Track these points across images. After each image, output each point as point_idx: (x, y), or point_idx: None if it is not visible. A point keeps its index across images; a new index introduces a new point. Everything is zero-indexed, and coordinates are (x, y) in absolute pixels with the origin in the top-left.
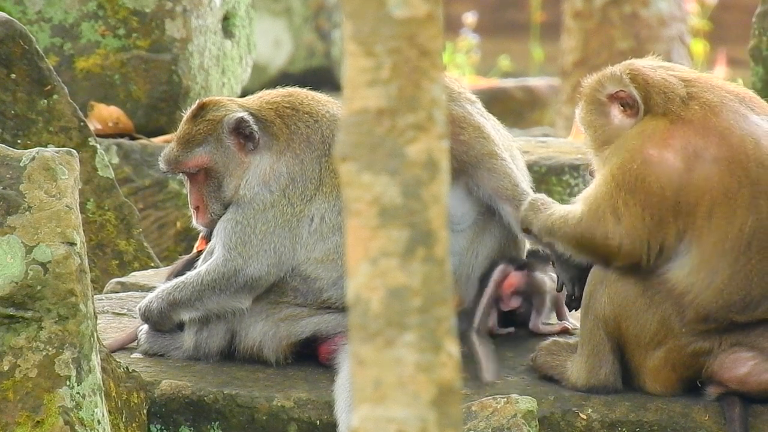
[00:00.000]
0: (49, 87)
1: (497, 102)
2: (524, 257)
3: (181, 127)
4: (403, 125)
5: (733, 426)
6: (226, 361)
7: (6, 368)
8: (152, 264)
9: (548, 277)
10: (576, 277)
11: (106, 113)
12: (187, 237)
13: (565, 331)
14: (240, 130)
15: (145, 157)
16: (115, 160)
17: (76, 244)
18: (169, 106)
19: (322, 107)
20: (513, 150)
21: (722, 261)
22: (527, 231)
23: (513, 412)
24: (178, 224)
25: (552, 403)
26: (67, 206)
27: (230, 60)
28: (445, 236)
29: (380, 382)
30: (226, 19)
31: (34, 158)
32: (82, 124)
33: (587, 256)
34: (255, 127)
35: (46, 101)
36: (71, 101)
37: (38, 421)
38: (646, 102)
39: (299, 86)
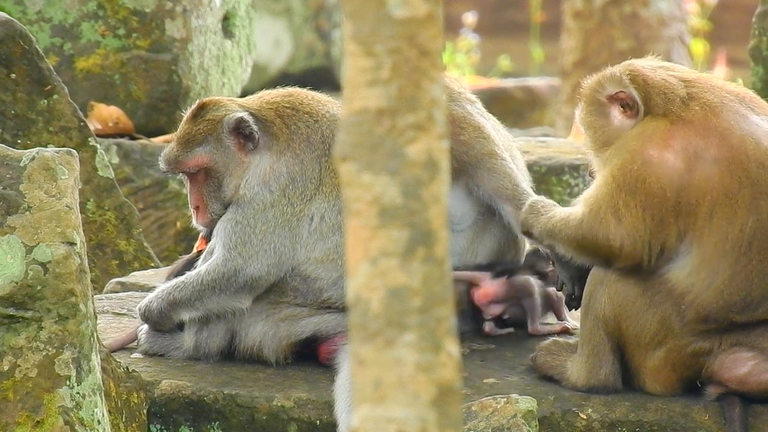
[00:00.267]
0: (49, 87)
1: (497, 102)
2: (521, 258)
3: (181, 127)
4: (403, 125)
5: (733, 426)
6: (226, 361)
7: (6, 368)
8: (152, 264)
9: (533, 279)
10: (576, 277)
11: (106, 113)
12: (187, 237)
13: (565, 331)
14: (240, 130)
15: (145, 157)
16: (115, 160)
17: (76, 244)
18: (169, 106)
19: (322, 107)
20: (513, 150)
21: (723, 261)
22: (528, 234)
23: (513, 412)
24: (178, 224)
25: (552, 403)
26: (67, 206)
27: (230, 60)
28: (445, 236)
29: (380, 382)
30: (226, 19)
31: (34, 158)
32: (82, 124)
33: (589, 257)
34: (255, 127)
35: (46, 101)
36: (71, 101)
37: (38, 421)
38: (646, 103)
39: (299, 86)
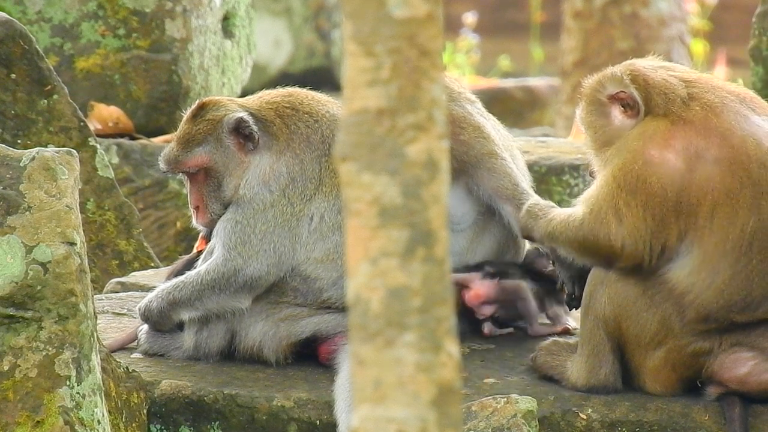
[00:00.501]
0: (49, 87)
1: (497, 102)
2: (521, 258)
3: (181, 127)
4: (403, 125)
5: (733, 426)
6: (226, 361)
7: (6, 368)
8: (152, 264)
9: (524, 283)
10: (576, 277)
11: (106, 113)
12: (187, 237)
13: (566, 332)
14: (240, 130)
15: (145, 157)
16: (115, 160)
17: (76, 244)
18: (169, 106)
19: (322, 107)
20: (513, 150)
21: (723, 261)
22: (529, 238)
23: (513, 412)
24: (178, 224)
25: (552, 403)
26: (67, 206)
27: (230, 60)
28: (445, 236)
29: (380, 382)
30: (226, 19)
31: (34, 158)
32: (82, 124)
33: (590, 258)
34: (255, 128)
35: (46, 101)
36: (71, 101)
37: (38, 421)
38: (646, 103)
39: (299, 86)
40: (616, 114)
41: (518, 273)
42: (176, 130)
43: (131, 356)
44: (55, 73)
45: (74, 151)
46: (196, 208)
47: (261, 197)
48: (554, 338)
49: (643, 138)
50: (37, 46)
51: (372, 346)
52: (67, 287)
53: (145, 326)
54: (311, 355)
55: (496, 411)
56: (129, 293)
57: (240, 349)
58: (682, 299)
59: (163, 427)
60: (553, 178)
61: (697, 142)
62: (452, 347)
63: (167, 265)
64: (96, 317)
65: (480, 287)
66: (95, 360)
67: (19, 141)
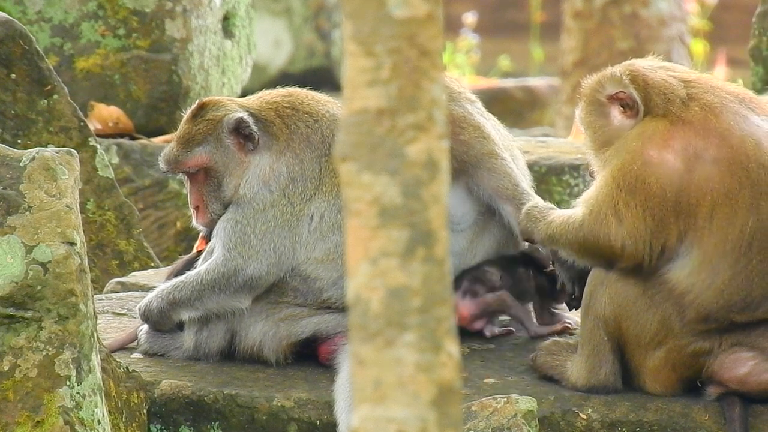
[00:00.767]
0: (49, 87)
1: (497, 102)
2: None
3: (181, 126)
4: (403, 125)
5: (733, 426)
6: (226, 361)
7: (6, 368)
8: (152, 264)
9: (505, 293)
10: (576, 277)
11: (106, 113)
12: (187, 237)
13: (565, 329)
14: (240, 130)
15: (145, 157)
16: (115, 160)
17: (76, 244)
18: (169, 106)
19: (322, 107)
20: (513, 150)
21: (723, 262)
22: (530, 241)
23: (513, 412)
24: (178, 224)
25: (552, 403)
26: (67, 206)
27: (230, 60)
28: (445, 236)
29: (380, 382)
30: (226, 19)
31: (34, 158)
32: (82, 124)
33: (590, 259)
34: (254, 128)
35: (46, 101)
36: (71, 101)
37: (38, 421)
38: (646, 103)
39: (299, 86)
40: (616, 114)
41: (497, 272)
42: (176, 130)
43: (131, 356)
44: (55, 73)
45: (74, 151)
46: (196, 208)
47: (261, 197)
48: (554, 338)
49: (642, 138)
50: (37, 46)
51: (372, 346)
52: (67, 287)
53: (145, 326)
54: (311, 355)
55: (496, 411)
56: (129, 293)
57: (240, 349)
58: (682, 299)
59: (163, 427)
60: (553, 178)
61: (696, 142)
62: (452, 347)
63: (167, 265)
64: (96, 317)
65: (463, 308)
66: (95, 360)
67: (19, 141)
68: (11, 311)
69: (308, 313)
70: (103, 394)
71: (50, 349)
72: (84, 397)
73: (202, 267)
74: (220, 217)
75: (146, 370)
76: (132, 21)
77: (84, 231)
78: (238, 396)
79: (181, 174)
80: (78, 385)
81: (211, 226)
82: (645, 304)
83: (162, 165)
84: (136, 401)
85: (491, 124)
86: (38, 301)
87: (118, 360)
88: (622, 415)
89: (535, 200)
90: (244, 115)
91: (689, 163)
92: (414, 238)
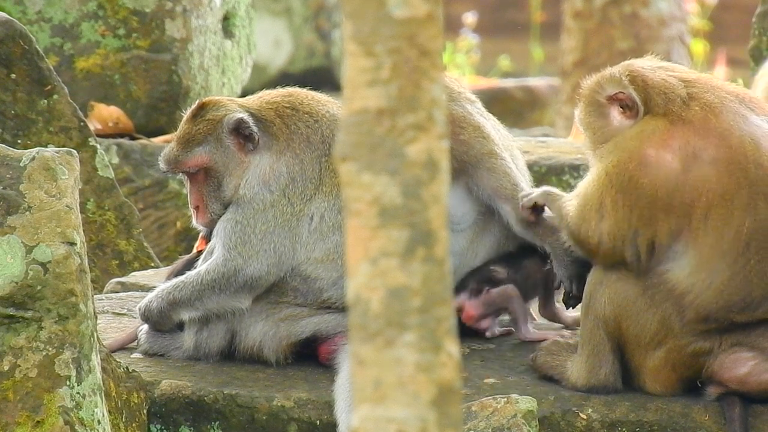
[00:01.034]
0: (49, 87)
1: (497, 102)
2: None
3: (181, 126)
4: (403, 125)
5: (733, 426)
6: (226, 361)
7: (6, 368)
8: (152, 264)
9: (511, 287)
10: (574, 276)
11: (106, 113)
12: (187, 237)
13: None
14: (240, 130)
15: (145, 157)
16: (115, 160)
17: (76, 244)
18: (169, 106)
19: (322, 107)
20: (513, 150)
21: (721, 262)
22: (534, 224)
23: (513, 412)
24: (178, 224)
25: (552, 403)
26: (67, 206)
27: (230, 60)
28: (445, 236)
29: (380, 382)
30: (226, 19)
31: (34, 158)
32: (82, 124)
33: (578, 249)
34: (254, 128)
35: (46, 101)
36: (71, 101)
37: (38, 421)
38: (645, 103)
39: (299, 86)
40: (615, 115)
41: (504, 270)
42: (176, 130)
43: (131, 356)
44: (55, 73)
45: (74, 151)
46: (196, 208)
47: (261, 197)
48: (554, 338)
49: (640, 137)
50: (37, 46)
51: (372, 346)
52: (67, 287)
53: (145, 326)
54: (311, 355)
55: (496, 411)
56: (129, 293)
57: (240, 349)
58: (682, 299)
59: (163, 427)
60: (553, 178)
61: (695, 141)
62: (452, 347)
63: (167, 265)
64: (96, 317)
65: (469, 308)
66: (95, 360)
67: (19, 141)
68: (11, 311)
69: (308, 313)
70: (103, 394)
71: (50, 349)
72: (84, 397)
73: (202, 267)
74: (220, 217)
75: (146, 370)
76: (132, 21)
77: (84, 231)
78: (238, 396)
79: (181, 174)
80: (78, 385)
81: (211, 226)
82: (645, 304)
83: (162, 165)
84: (136, 401)
85: (491, 124)
86: (38, 301)
87: (118, 360)
88: (622, 415)
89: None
90: (244, 115)
91: (686, 163)
92: (414, 238)
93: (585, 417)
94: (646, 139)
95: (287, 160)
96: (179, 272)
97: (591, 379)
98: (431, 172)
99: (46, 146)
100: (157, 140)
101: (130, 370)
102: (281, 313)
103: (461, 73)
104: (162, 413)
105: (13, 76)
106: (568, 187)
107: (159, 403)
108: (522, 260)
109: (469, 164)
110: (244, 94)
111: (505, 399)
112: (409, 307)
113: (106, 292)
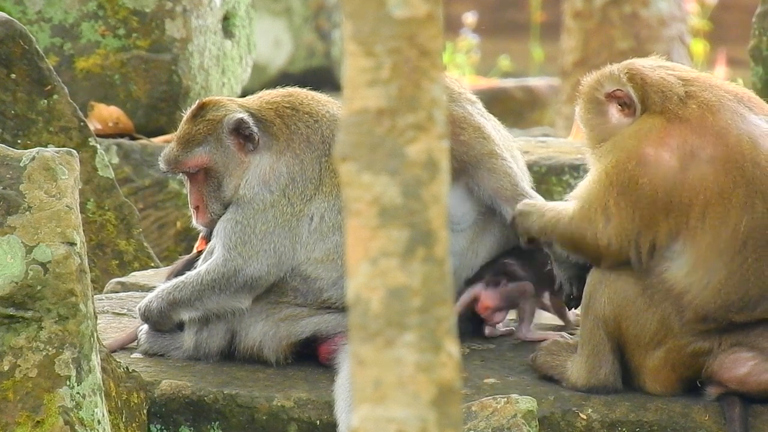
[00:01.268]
0: (49, 87)
1: (497, 102)
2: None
3: (181, 127)
4: (403, 125)
5: (733, 426)
6: (226, 361)
7: (6, 368)
8: (152, 264)
9: (528, 284)
10: (574, 277)
11: (106, 113)
12: (187, 237)
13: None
14: (240, 130)
15: (145, 157)
16: (115, 160)
17: (76, 244)
18: (169, 106)
19: (322, 107)
20: (513, 150)
21: (718, 261)
22: (530, 241)
23: (513, 412)
24: (178, 224)
25: (552, 403)
26: (67, 206)
27: (230, 60)
28: (445, 236)
29: (380, 382)
30: (226, 19)
31: (34, 158)
32: (82, 124)
33: (579, 254)
34: (255, 128)
35: (46, 101)
36: (71, 101)
37: (38, 421)
38: (643, 101)
39: (299, 86)
40: (613, 112)
41: (518, 263)
42: (176, 130)
43: (131, 356)
44: (55, 73)
45: (74, 151)
46: (196, 208)
47: (261, 197)
48: (554, 338)
49: (638, 136)
50: (37, 46)
51: (372, 346)
52: (67, 287)
53: (145, 326)
54: (311, 355)
55: (496, 411)
56: (129, 293)
57: (240, 349)
58: (681, 299)
59: (163, 427)
60: (553, 178)
61: (693, 140)
62: (452, 347)
63: (167, 265)
64: (96, 317)
65: (485, 299)
66: (95, 360)
67: (19, 141)
68: (11, 311)
69: (308, 313)
70: (103, 394)
71: (50, 349)
72: (84, 397)
73: (202, 267)
74: (220, 217)
75: (146, 370)
76: (132, 21)
77: (84, 231)
78: (238, 396)
79: (181, 174)
80: (78, 385)
81: (211, 226)
82: (644, 303)
83: (162, 165)
84: (136, 401)
85: (491, 125)
86: (38, 301)
87: (118, 360)
88: (622, 415)
89: (526, 201)
90: (245, 115)
91: (684, 161)
92: (414, 238)
93: (585, 417)
94: (644, 137)
95: (287, 160)
96: (179, 272)
97: (591, 379)
98: (431, 172)
99: (46, 146)
100: (157, 140)
101: (130, 370)
102: (281, 313)
103: (461, 73)
104: (162, 413)
105: (13, 76)
106: (568, 187)
107: (159, 403)
108: (534, 253)
109: (469, 164)
110: (244, 94)
111: (505, 399)
112: (409, 307)
113: (106, 292)
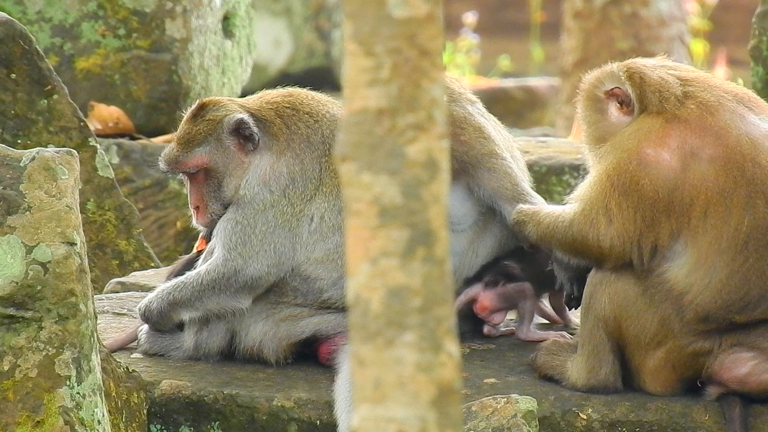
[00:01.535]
0: (49, 87)
1: (497, 102)
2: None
3: (181, 127)
4: (403, 125)
5: (733, 426)
6: (226, 361)
7: (6, 368)
8: (152, 264)
9: (527, 284)
10: (574, 277)
11: (106, 113)
12: (187, 237)
13: (554, 344)
14: (240, 130)
15: (145, 157)
16: (115, 160)
17: (76, 244)
18: (169, 106)
19: (322, 107)
20: (513, 150)
21: (719, 261)
22: (532, 246)
23: (513, 412)
24: (178, 224)
25: (552, 403)
26: (67, 206)
27: (230, 60)
28: (445, 236)
29: (380, 382)
30: (226, 19)
31: (34, 158)
32: (82, 124)
33: (580, 257)
34: (255, 128)
35: (46, 101)
36: (71, 101)
37: (38, 421)
38: (640, 100)
39: (299, 86)
40: (612, 110)
41: (517, 264)
42: (176, 130)
43: (131, 356)
44: (55, 73)
45: (74, 151)
46: (196, 208)
47: (261, 197)
48: (554, 338)
49: (638, 136)
50: (37, 46)
51: (372, 346)
52: (67, 287)
53: (145, 326)
54: (311, 355)
55: (496, 411)
56: (129, 293)
57: (240, 349)
58: (681, 299)
59: (163, 427)
60: (553, 178)
61: (692, 140)
62: (452, 347)
63: (167, 265)
64: (96, 317)
65: (484, 299)
66: (95, 360)
67: (19, 141)
68: (11, 311)
69: (308, 313)
70: (103, 394)
71: (50, 349)
72: (84, 397)
73: (202, 267)
74: (220, 217)
75: (146, 370)
76: (132, 21)
77: (84, 231)
78: (238, 396)
79: (181, 174)
80: (78, 385)
81: (211, 227)
82: (645, 304)
83: (162, 165)
84: (136, 401)
85: (492, 125)
86: (38, 301)
87: (118, 360)
88: (622, 415)
89: (521, 206)
90: (245, 115)
91: (684, 162)
92: (414, 238)
93: (585, 417)
94: (643, 138)
95: (287, 161)
96: (179, 272)
97: (591, 379)
98: (431, 172)
99: (46, 146)
100: (157, 140)
101: (130, 370)
102: (281, 313)
103: (461, 73)
104: (162, 413)
105: (13, 76)
106: (568, 187)
107: (159, 403)
108: (533, 254)
109: (469, 164)
110: (244, 94)
111: (505, 399)
112: (409, 307)
113: (106, 292)
